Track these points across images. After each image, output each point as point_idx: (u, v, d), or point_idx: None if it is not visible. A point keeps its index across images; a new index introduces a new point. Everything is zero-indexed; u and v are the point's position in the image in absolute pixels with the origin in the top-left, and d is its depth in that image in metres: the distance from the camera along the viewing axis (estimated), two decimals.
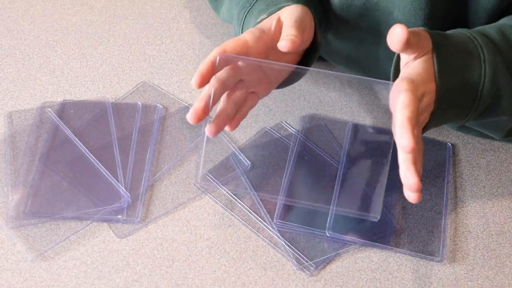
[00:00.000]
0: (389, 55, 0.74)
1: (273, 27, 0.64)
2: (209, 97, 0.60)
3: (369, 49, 0.74)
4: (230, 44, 0.61)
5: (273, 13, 0.65)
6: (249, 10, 0.69)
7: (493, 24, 0.64)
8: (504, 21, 0.64)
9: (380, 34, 0.71)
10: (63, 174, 0.73)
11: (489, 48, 0.59)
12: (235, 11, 0.72)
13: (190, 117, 0.60)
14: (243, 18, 0.69)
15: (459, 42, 0.59)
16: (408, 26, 0.67)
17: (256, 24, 0.66)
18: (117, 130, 0.77)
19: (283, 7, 0.65)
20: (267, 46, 0.64)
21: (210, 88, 0.60)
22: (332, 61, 0.83)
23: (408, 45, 0.54)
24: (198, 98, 0.60)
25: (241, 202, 0.71)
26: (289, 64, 0.66)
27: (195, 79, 0.58)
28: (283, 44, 0.61)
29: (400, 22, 0.67)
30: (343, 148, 0.74)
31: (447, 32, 0.62)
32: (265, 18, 0.65)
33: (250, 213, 0.70)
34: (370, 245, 0.67)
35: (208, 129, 0.62)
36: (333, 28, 0.75)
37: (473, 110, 0.60)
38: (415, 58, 0.58)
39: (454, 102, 0.59)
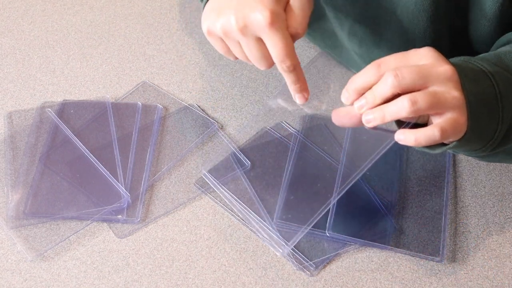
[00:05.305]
0: None
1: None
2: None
3: (369, 50, 0.74)
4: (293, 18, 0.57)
5: None
6: None
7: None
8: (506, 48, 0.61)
9: (381, 34, 0.70)
10: (63, 174, 0.73)
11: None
12: None
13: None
14: None
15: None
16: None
17: None
18: (117, 130, 0.77)
19: None
20: None
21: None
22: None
23: None
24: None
25: (241, 202, 0.71)
26: None
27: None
28: (299, 97, 0.60)
29: (402, 22, 0.67)
30: (343, 148, 0.74)
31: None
32: None
33: (250, 213, 0.70)
34: (370, 245, 0.67)
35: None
36: (335, 27, 0.75)
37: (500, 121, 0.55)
38: None
39: (482, 109, 0.54)
